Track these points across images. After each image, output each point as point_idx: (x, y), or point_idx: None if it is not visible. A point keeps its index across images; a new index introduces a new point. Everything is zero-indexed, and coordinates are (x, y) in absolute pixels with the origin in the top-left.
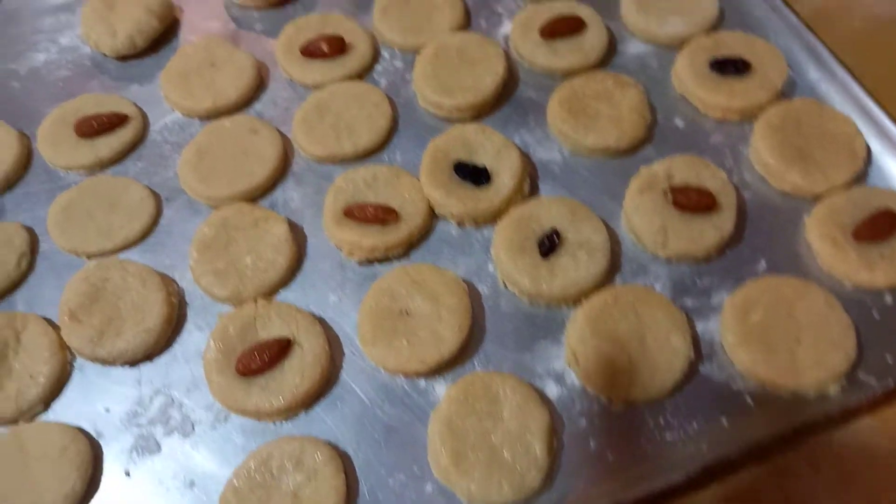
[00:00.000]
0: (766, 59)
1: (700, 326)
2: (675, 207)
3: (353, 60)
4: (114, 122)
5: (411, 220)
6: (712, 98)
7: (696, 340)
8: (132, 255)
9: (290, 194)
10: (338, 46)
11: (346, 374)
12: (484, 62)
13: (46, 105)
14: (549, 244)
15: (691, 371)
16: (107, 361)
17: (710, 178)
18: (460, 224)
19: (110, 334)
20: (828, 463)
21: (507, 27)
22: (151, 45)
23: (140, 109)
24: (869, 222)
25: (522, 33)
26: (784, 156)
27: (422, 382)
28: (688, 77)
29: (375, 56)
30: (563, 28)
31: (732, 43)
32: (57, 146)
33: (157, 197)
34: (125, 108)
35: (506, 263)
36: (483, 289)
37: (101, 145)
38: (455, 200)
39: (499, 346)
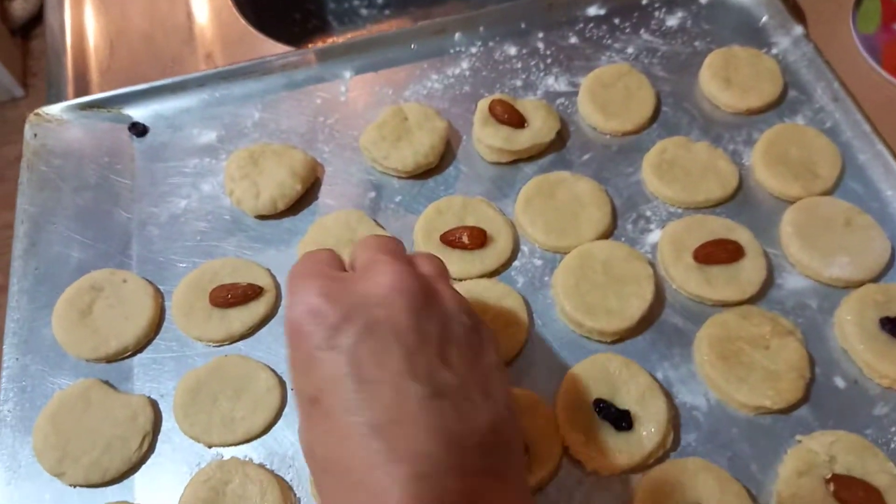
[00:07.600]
0: None
1: None
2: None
3: (492, 256)
4: (248, 294)
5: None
6: (881, 365)
7: None
8: (250, 450)
9: None
10: (479, 241)
11: None
12: (632, 282)
13: (181, 258)
14: None
15: None
16: None
17: (878, 471)
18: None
19: None
20: None
21: (655, 235)
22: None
23: (275, 280)
24: None
25: (674, 253)
26: None
27: None
28: (853, 334)
29: (515, 251)
30: (719, 255)
31: None
32: (189, 315)
33: (282, 385)
34: (261, 280)
35: None
36: None
37: (234, 319)
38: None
39: None
